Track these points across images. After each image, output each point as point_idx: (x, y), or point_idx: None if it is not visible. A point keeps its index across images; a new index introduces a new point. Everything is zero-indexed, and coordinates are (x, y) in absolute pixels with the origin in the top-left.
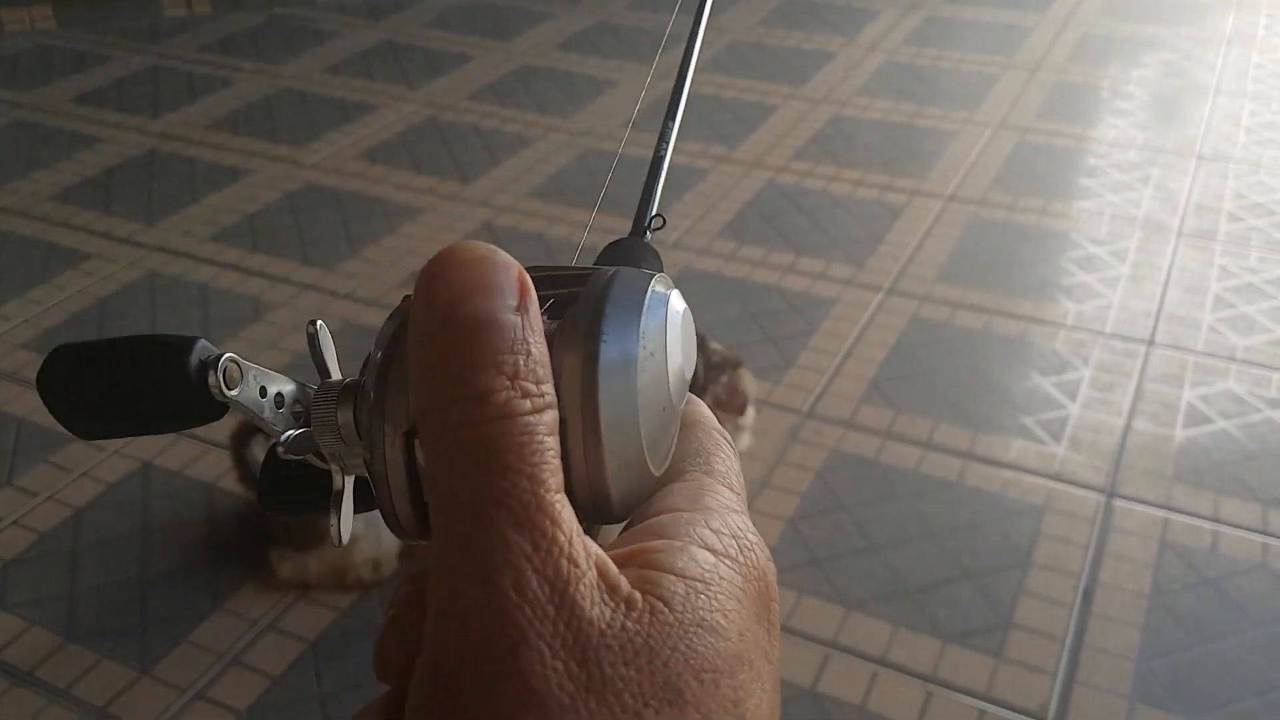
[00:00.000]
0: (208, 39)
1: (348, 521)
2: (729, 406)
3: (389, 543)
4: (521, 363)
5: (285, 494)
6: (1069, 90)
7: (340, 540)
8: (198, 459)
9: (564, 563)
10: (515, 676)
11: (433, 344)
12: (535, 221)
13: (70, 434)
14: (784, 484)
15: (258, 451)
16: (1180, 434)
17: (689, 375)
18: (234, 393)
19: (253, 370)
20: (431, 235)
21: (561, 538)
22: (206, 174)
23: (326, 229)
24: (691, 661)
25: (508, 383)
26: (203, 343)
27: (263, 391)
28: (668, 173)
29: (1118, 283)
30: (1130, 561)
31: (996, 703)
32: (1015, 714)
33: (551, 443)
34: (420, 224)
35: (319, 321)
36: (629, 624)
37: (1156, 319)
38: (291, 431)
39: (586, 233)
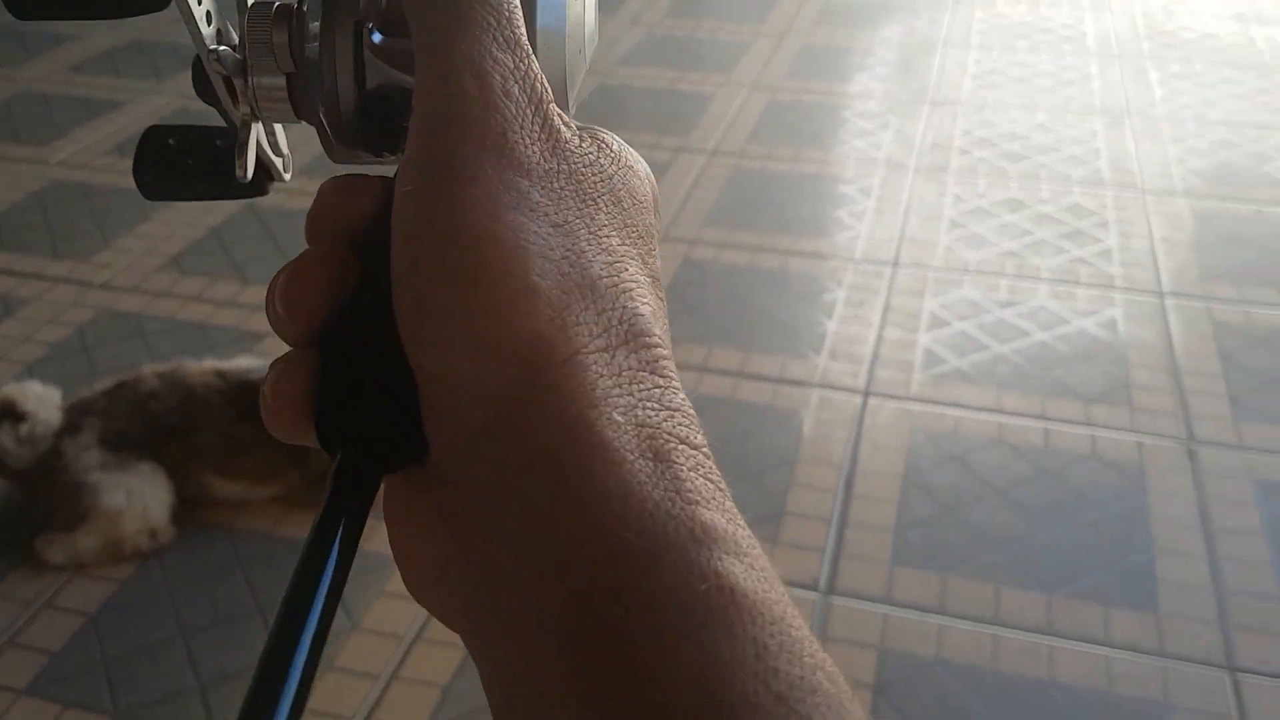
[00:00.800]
0: None
1: (252, 161)
2: None
3: (158, 510)
4: None
5: (166, 176)
6: (814, 52)
7: (247, 175)
8: None
9: (538, 85)
10: (506, 149)
11: None
12: (301, 200)
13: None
14: None
15: (5, 439)
16: (924, 337)
17: (593, 46)
18: None
19: None
20: (194, 219)
21: (536, 68)
22: None
23: (77, 223)
24: (628, 183)
25: None
26: None
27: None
28: None
29: (865, 215)
30: (886, 449)
31: None
32: (791, 588)
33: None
34: (178, 209)
35: None
36: (583, 145)
37: (900, 243)
38: (218, 47)
39: None
